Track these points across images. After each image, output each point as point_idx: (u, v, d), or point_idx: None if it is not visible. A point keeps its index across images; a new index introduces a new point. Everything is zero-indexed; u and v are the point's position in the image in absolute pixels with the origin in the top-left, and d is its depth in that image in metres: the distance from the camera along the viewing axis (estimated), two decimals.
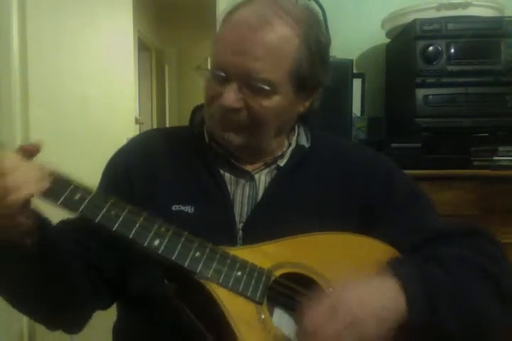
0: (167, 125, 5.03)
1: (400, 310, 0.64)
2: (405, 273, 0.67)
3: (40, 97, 1.94)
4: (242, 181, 0.83)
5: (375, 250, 0.76)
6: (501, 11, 1.80)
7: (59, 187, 0.64)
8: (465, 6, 1.72)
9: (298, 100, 0.81)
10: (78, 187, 0.65)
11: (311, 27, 0.78)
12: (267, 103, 0.76)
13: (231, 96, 0.75)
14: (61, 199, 0.63)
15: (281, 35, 0.74)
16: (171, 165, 0.84)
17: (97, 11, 2.42)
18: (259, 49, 0.73)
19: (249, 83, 0.74)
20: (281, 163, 0.85)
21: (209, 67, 0.79)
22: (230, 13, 0.79)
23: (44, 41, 1.97)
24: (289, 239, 0.74)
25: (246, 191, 0.82)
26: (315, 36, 0.78)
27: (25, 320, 1.75)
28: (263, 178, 0.84)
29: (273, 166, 0.85)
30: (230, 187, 0.82)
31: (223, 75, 0.75)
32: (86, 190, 0.66)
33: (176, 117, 5.41)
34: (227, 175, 0.83)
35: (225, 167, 0.84)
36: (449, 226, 0.81)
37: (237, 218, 0.80)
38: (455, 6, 1.73)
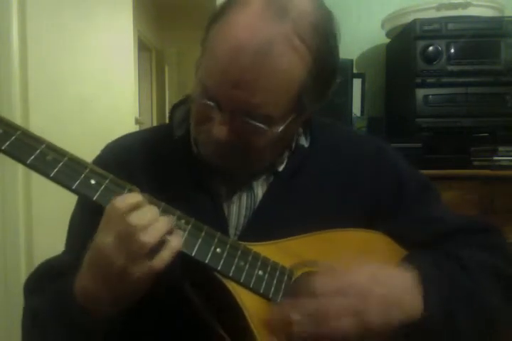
0: None
1: (414, 304, 0.61)
2: (426, 269, 0.64)
3: (40, 97, 1.94)
4: (238, 191, 0.76)
5: (394, 248, 0.75)
6: (501, 11, 1.80)
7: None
8: (465, 6, 1.72)
9: (299, 121, 0.72)
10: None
11: (323, 43, 0.66)
12: (264, 136, 0.67)
13: (222, 130, 0.65)
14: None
15: (287, 64, 0.62)
16: (153, 181, 0.74)
17: (97, 11, 2.41)
18: (262, 82, 0.62)
19: (245, 117, 0.64)
20: (280, 167, 0.77)
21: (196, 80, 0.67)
22: (223, 16, 0.65)
23: (44, 41, 1.97)
24: (311, 234, 0.71)
25: (243, 202, 0.76)
26: (326, 54, 0.67)
27: None
28: (261, 185, 0.77)
29: (271, 171, 0.78)
30: (225, 202, 0.75)
31: (213, 106, 0.64)
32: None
33: None
34: (221, 189, 0.76)
35: (217, 179, 0.76)
36: (460, 220, 0.80)
37: (231, 231, 0.74)
38: (455, 6, 1.73)
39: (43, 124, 1.94)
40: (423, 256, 0.70)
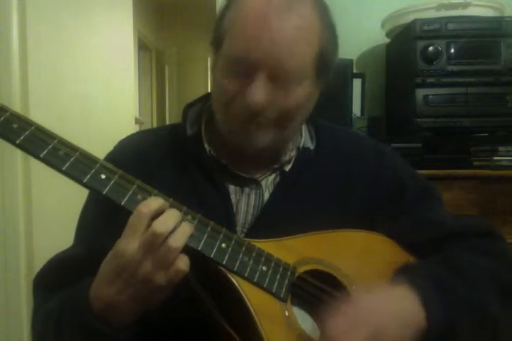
0: None
1: (419, 323, 0.63)
2: (424, 286, 0.65)
3: (39, 97, 1.94)
4: (247, 190, 0.78)
5: (394, 249, 0.76)
6: (501, 11, 1.81)
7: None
8: (465, 6, 1.72)
9: (317, 85, 0.75)
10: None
11: (325, 5, 0.73)
12: (295, 93, 0.70)
13: (261, 92, 0.67)
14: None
15: (306, 17, 0.69)
16: (167, 177, 0.77)
17: (97, 11, 2.41)
18: (290, 33, 0.67)
19: (280, 72, 0.67)
20: (287, 167, 0.80)
21: (217, 62, 0.71)
22: (235, 2, 0.71)
23: (44, 41, 1.97)
24: (313, 234, 0.73)
25: (252, 200, 0.78)
26: (329, 14, 0.73)
27: (25, 323, 1.75)
28: (269, 184, 0.80)
29: (278, 171, 0.80)
30: (234, 198, 0.78)
31: (249, 68, 0.67)
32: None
33: (176, 117, 5.40)
34: (231, 186, 0.78)
35: (228, 177, 0.78)
36: (461, 222, 0.80)
37: (238, 228, 0.76)
38: (455, 6, 1.73)
39: (43, 124, 1.93)
40: (422, 270, 0.70)
